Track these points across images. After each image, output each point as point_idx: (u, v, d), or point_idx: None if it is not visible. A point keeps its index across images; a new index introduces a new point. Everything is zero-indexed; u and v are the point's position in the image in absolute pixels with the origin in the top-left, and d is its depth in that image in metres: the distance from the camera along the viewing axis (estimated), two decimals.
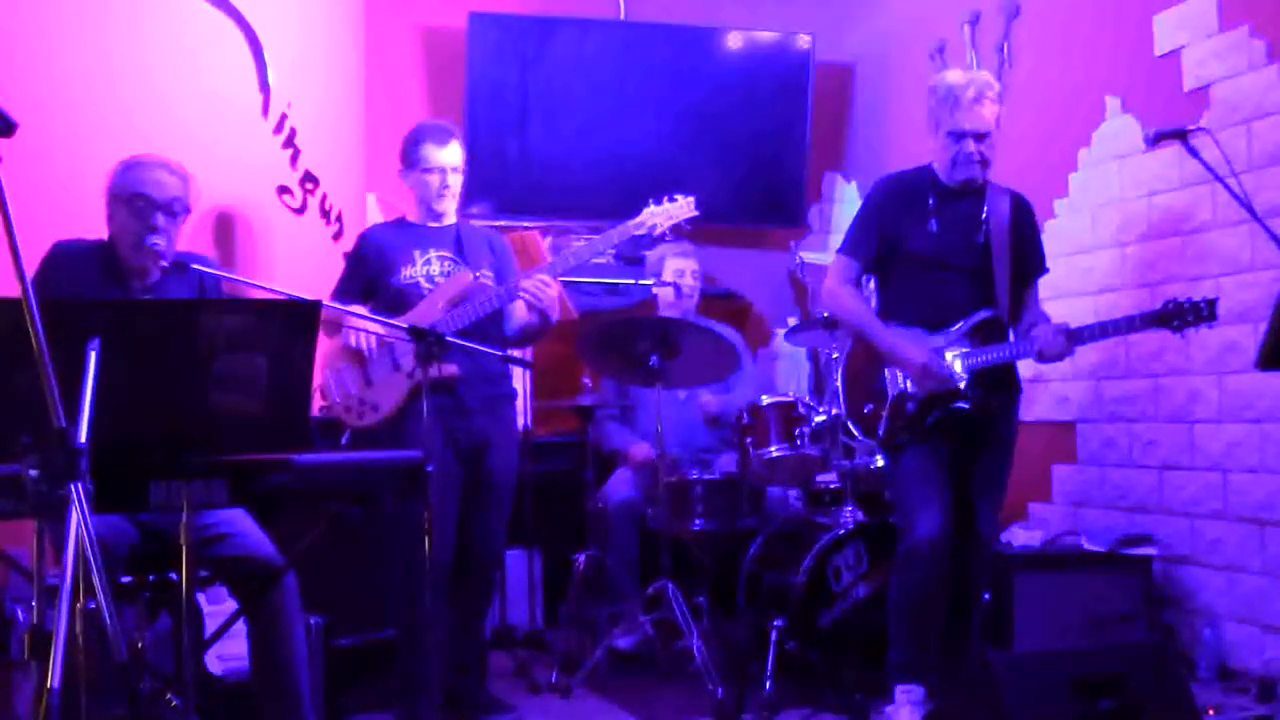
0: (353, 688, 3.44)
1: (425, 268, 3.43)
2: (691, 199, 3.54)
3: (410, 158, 3.47)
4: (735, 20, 5.64)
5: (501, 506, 3.49)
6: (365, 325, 3.29)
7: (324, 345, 3.35)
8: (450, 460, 3.28)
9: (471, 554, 3.42)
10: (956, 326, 3.21)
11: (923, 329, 3.23)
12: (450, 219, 3.53)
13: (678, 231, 3.64)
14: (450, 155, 3.46)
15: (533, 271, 3.44)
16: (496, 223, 4.96)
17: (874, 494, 4.03)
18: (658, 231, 3.53)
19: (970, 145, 3.17)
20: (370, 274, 3.44)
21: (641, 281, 4.67)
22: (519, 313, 3.54)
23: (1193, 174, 3.49)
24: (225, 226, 3.72)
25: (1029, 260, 3.34)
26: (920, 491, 3.16)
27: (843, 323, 3.39)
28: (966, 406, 3.17)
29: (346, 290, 3.44)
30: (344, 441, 3.35)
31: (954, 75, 3.25)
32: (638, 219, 3.50)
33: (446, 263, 3.45)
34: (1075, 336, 3.14)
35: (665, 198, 3.53)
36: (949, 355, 3.18)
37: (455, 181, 3.48)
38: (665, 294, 4.51)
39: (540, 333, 3.56)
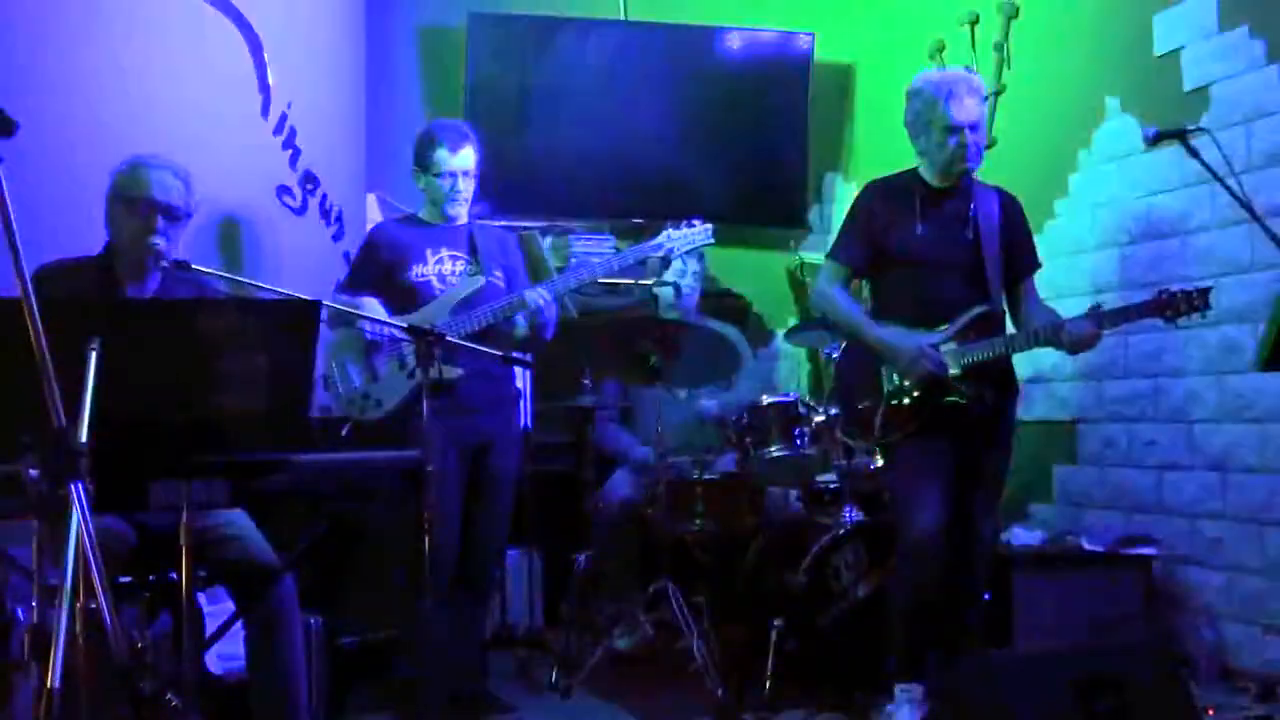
0: (353, 687, 3.44)
1: (438, 266, 3.43)
2: (710, 226, 3.62)
3: (423, 160, 3.47)
4: (735, 20, 5.63)
5: (503, 506, 3.50)
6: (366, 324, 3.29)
7: (329, 337, 3.35)
8: (452, 459, 3.27)
9: (472, 553, 3.42)
10: (949, 324, 3.21)
11: (916, 328, 3.23)
12: (463, 219, 3.53)
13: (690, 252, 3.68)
14: (462, 159, 3.46)
15: (538, 287, 3.45)
16: (496, 223, 4.96)
17: (874, 494, 4.03)
18: (674, 256, 3.59)
19: (966, 136, 3.19)
20: (382, 268, 3.45)
21: (641, 281, 4.67)
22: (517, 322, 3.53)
23: (1193, 174, 3.49)
24: (225, 226, 3.72)
25: (1021, 256, 3.35)
26: (919, 490, 3.16)
27: (833, 324, 3.42)
28: (962, 401, 3.17)
29: (358, 280, 3.45)
30: (344, 433, 3.34)
31: (934, 75, 3.31)
32: (656, 241, 3.57)
33: (459, 262, 3.45)
34: (1096, 320, 3.13)
35: (684, 222, 3.58)
36: (943, 351, 3.19)
37: (467, 186, 3.48)
38: (665, 294, 4.51)
39: (538, 343, 3.57)
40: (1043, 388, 4.42)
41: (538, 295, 3.38)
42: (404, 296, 3.38)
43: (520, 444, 3.66)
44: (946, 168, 3.24)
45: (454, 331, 3.17)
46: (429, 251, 3.44)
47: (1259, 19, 3.65)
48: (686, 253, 3.66)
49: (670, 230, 3.57)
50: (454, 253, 3.46)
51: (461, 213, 3.52)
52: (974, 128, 3.20)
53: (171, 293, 2.80)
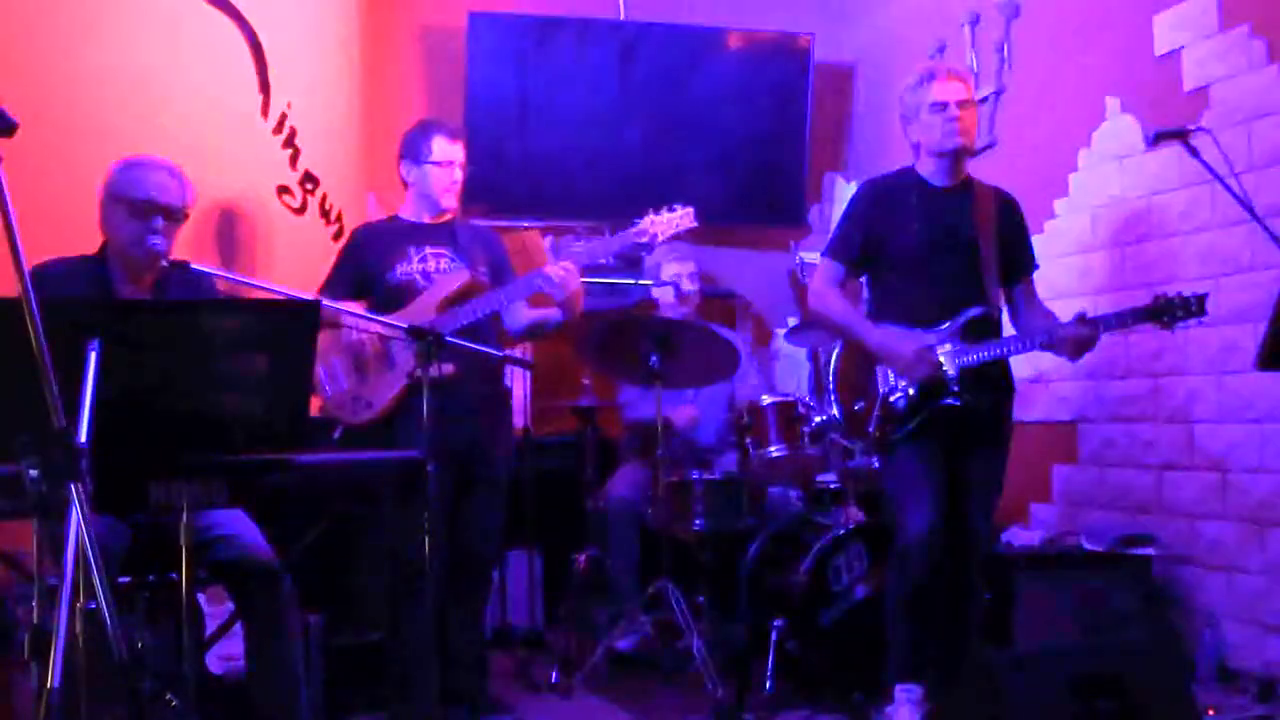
0: (351, 687, 3.45)
1: (421, 264, 3.42)
2: (690, 210, 3.54)
3: (419, 150, 3.45)
4: (735, 20, 5.64)
5: (497, 507, 3.49)
6: (362, 324, 3.28)
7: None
8: (441, 460, 3.25)
9: (467, 554, 3.41)
10: (946, 325, 3.21)
11: (913, 328, 3.23)
12: (448, 215, 3.53)
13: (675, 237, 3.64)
14: (458, 150, 3.46)
15: (546, 267, 3.42)
16: (496, 223, 4.96)
17: (874, 494, 4.03)
18: (658, 241, 3.54)
19: (954, 110, 3.21)
20: (364, 270, 3.43)
21: (641, 282, 4.68)
22: (523, 310, 3.52)
23: (1193, 174, 3.49)
24: (225, 226, 3.72)
25: (1018, 257, 3.35)
26: (913, 490, 3.16)
27: (829, 325, 3.40)
28: (957, 403, 3.16)
29: (335, 284, 3.42)
30: (335, 437, 3.34)
31: (916, 69, 3.34)
32: (638, 227, 3.50)
33: (443, 260, 3.44)
34: (1090, 324, 3.13)
35: (665, 207, 3.53)
36: (940, 353, 3.19)
37: (460, 178, 3.48)
38: (665, 294, 4.51)
39: (558, 327, 3.54)
40: (1043, 388, 4.42)
41: (558, 269, 3.35)
42: (389, 295, 3.37)
43: (512, 444, 3.64)
44: (940, 145, 3.24)
45: (445, 328, 3.17)
46: (412, 249, 3.43)
47: (1259, 19, 3.65)
48: (672, 240, 3.61)
49: (652, 215, 3.53)
50: (437, 250, 3.45)
51: (453, 204, 3.51)
52: (961, 104, 3.22)
53: (167, 293, 2.81)
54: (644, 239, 3.50)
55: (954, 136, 3.22)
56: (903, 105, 3.31)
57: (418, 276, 3.41)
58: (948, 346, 3.19)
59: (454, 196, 3.50)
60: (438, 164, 3.44)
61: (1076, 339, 3.12)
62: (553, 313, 3.51)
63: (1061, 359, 3.25)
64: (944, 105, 3.21)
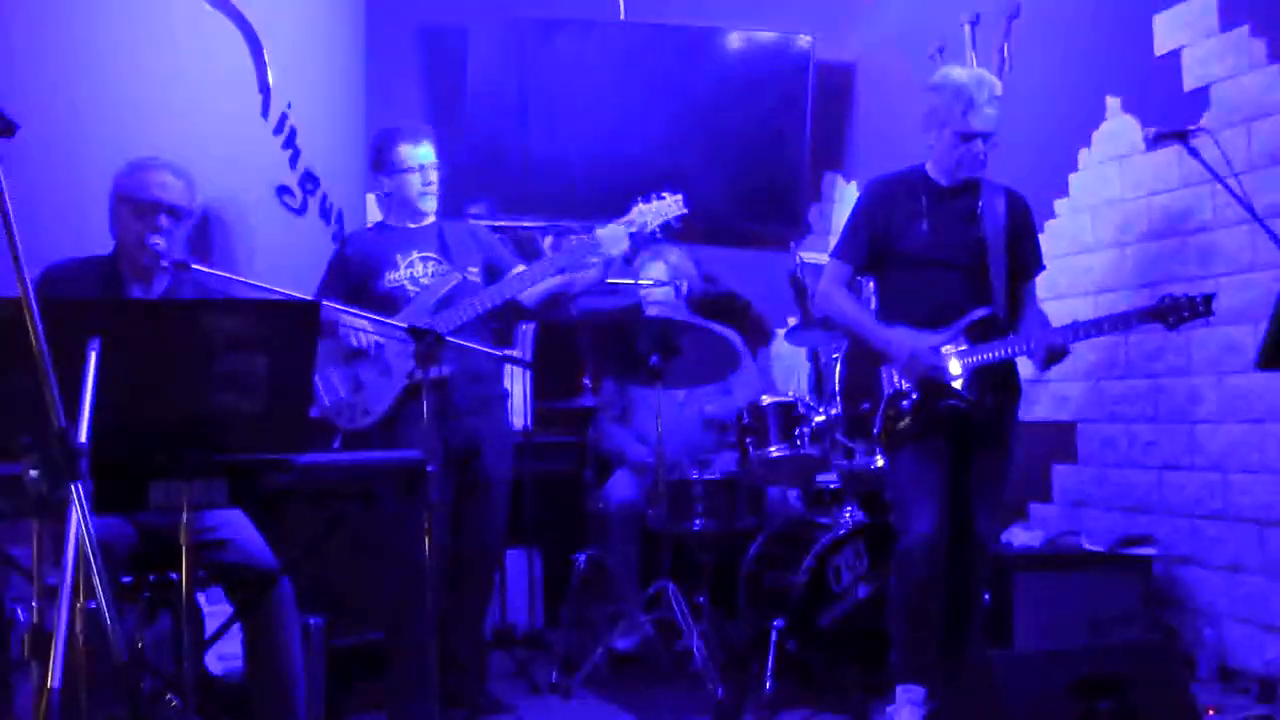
0: (352, 687, 3.45)
1: (409, 270, 3.42)
2: (679, 196, 3.56)
3: (385, 161, 3.45)
4: (735, 20, 5.63)
5: (497, 506, 3.49)
6: (362, 326, 3.28)
7: None
8: (441, 462, 3.24)
9: (469, 554, 3.42)
10: (953, 325, 3.20)
11: (920, 328, 3.23)
12: (431, 218, 3.52)
13: (668, 232, 3.65)
14: (426, 152, 3.46)
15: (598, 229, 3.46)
16: (496, 222, 4.96)
17: (874, 494, 4.03)
18: (648, 229, 3.55)
19: (978, 146, 3.18)
20: (354, 280, 3.42)
21: (641, 281, 4.68)
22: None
23: (1193, 174, 3.49)
24: (225, 226, 3.72)
25: (1025, 257, 3.34)
26: (917, 491, 3.16)
27: (836, 324, 3.41)
28: (962, 404, 3.16)
29: (326, 295, 3.40)
30: (335, 445, 3.35)
31: (960, 74, 3.25)
32: (628, 217, 3.52)
33: (430, 263, 3.44)
34: (1073, 331, 3.13)
35: (654, 195, 3.54)
36: (946, 353, 3.18)
37: (434, 178, 3.47)
38: (665, 294, 4.51)
39: (578, 295, 3.56)
40: (1043, 388, 4.42)
41: (611, 228, 3.40)
42: (380, 305, 3.34)
43: (511, 444, 3.64)
44: (953, 172, 3.24)
45: (441, 330, 3.16)
46: (399, 256, 3.43)
47: (1259, 19, 3.65)
48: (664, 227, 3.61)
49: (640, 204, 3.54)
50: (425, 254, 3.45)
51: (433, 206, 3.51)
52: (986, 138, 3.20)
53: (179, 294, 2.81)
54: (634, 228, 3.51)
55: (968, 169, 3.22)
56: (931, 105, 3.24)
57: (406, 283, 3.40)
58: (954, 347, 3.19)
59: (431, 198, 3.49)
60: (408, 170, 3.43)
61: (1045, 354, 3.10)
62: (577, 278, 3.49)
63: (1063, 360, 3.24)
64: (972, 138, 3.18)
